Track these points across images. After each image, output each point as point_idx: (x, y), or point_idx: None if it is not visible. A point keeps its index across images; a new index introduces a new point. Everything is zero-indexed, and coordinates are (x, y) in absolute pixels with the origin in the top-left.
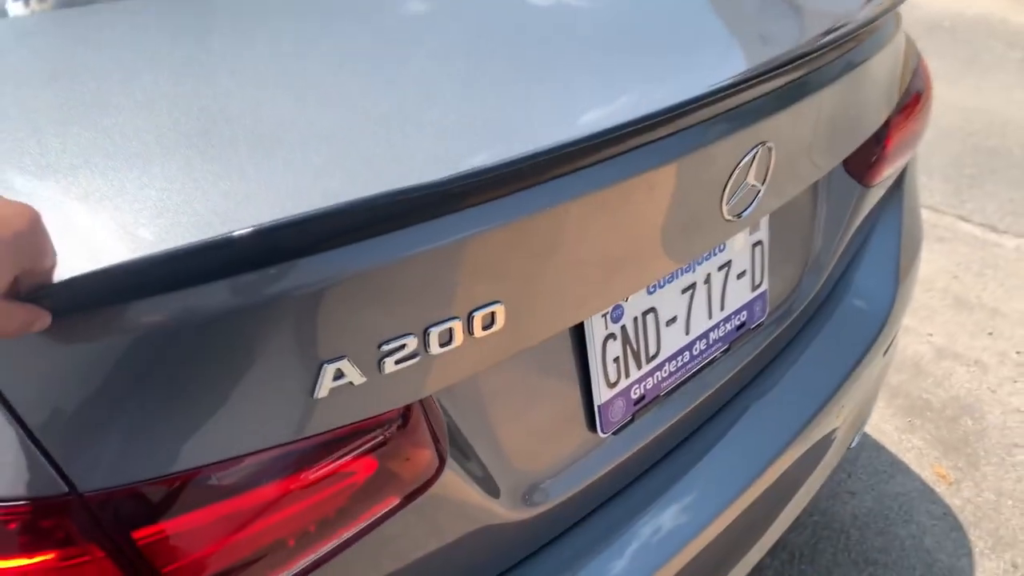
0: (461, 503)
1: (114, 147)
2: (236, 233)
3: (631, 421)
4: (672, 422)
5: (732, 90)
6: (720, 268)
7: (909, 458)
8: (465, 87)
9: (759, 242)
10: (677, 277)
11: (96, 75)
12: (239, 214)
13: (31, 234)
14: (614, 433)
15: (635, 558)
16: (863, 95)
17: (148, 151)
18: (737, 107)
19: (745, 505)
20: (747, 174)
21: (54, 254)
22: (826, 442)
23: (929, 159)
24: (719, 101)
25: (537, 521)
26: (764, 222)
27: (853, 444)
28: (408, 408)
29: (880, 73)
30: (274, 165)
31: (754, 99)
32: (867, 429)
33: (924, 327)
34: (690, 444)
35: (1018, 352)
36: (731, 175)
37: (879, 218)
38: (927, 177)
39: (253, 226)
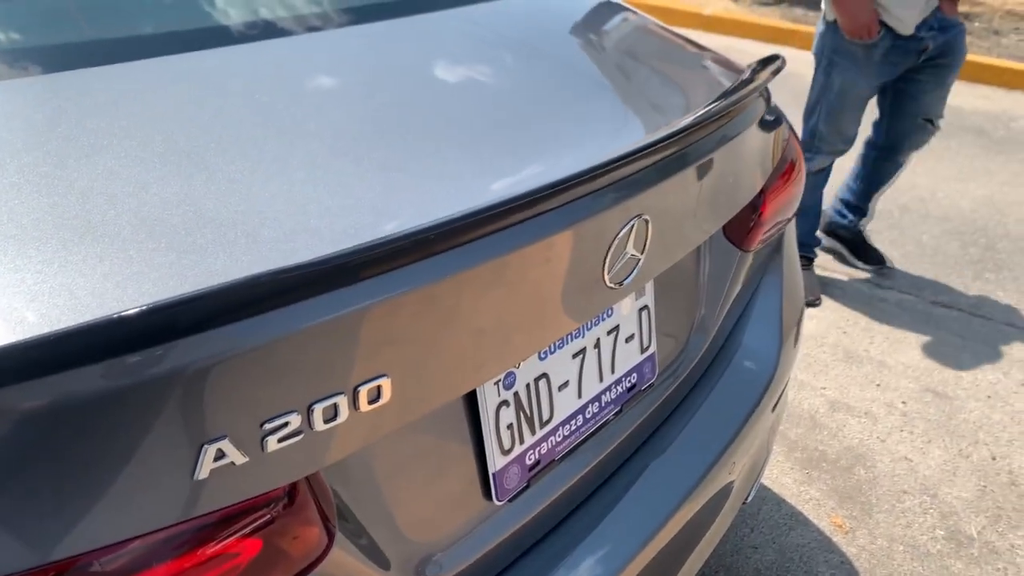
0: None
1: None
2: (114, 316)
3: (527, 487)
4: (568, 486)
5: (610, 166)
6: (609, 332)
7: (807, 509)
8: (352, 167)
9: (645, 307)
10: (568, 342)
11: None
12: (119, 296)
13: None
14: (510, 500)
15: None
16: (738, 166)
17: (24, 233)
18: (615, 182)
19: (644, 563)
20: (626, 244)
21: None
22: (721, 497)
23: None
24: (598, 177)
25: None
26: (650, 287)
27: (750, 498)
28: (294, 485)
29: (753, 145)
30: (156, 246)
31: (631, 174)
32: (767, 482)
33: (818, 381)
34: (587, 507)
35: (903, 403)
36: (611, 246)
37: (762, 280)
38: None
39: (131, 308)
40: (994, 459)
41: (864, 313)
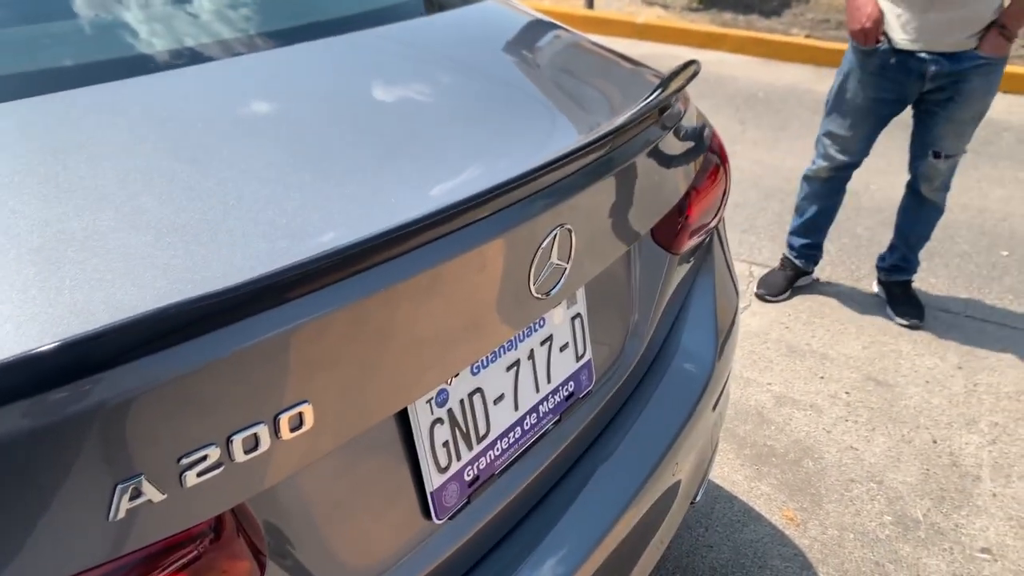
0: None
1: None
2: (14, 356)
3: (467, 503)
4: (510, 499)
5: (529, 177)
6: (542, 343)
7: (759, 504)
8: (266, 193)
9: (578, 315)
10: (500, 355)
11: None
12: (19, 337)
13: None
14: (450, 518)
15: None
16: (659, 171)
17: None
18: (535, 192)
19: (594, 568)
20: (551, 254)
21: None
22: (668, 497)
23: (755, 219)
24: (518, 188)
25: None
26: (581, 295)
27: (698, 498)
28: (220, 519)
29: (675, 149)
30: (60, 283)
31: (551, 184)
32: (719, 480)
33: (763, 377)
34: (532, 518)
35: (847, 392)
36: (535, 256)
37: (695, 281)
38: (755, 236)
39: (32, 347)
40: (935, 442)
41: (805, 307)
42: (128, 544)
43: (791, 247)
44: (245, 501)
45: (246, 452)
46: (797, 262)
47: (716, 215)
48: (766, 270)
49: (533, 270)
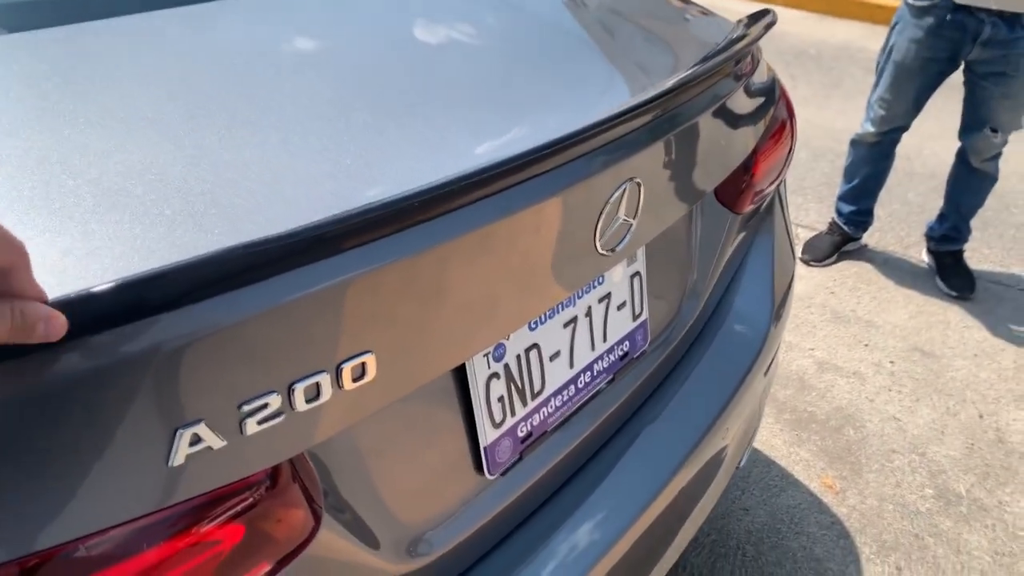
0: (342, 562)
1: None
2: (78, 293)
3: (519, 460)
4: (561, 457)
5: (599, 128)
6: (600, 300)
7: (798, 470)
8: (330, 133)
9: (637, 273)
10: (558, 312)
11: None
12: (81, 273)
13: None
14: (502, 474)
15: None
16: (728, 127)
17: None
18: (604, 145)
19: (640, 532)
20: (618, 209)
21: (17, 244)
22: (715, 463)
23: (803, 179)
24: (587, 140)
25: (426, 572)
26: (640, 253)
27: (742, 463)
28: (276, 468)
29: (744, 105)
30: (120, 218)
31: (621, 136)
32: (758, 445)
33: (806, 342)
34: (582, 477)
35: (891, 362)
36: (602, 211)
37: (753, 243)
38: (802, 197)
39: (96, 285)
40: (981, 417)
41: (852, 273)
42: (186, 490)
43: (839, 213)
44: (303, 451)
45: (307, 401)
46: (846, 228)
47: (780, 175)
48: (812, 233)
49: (600, 225)
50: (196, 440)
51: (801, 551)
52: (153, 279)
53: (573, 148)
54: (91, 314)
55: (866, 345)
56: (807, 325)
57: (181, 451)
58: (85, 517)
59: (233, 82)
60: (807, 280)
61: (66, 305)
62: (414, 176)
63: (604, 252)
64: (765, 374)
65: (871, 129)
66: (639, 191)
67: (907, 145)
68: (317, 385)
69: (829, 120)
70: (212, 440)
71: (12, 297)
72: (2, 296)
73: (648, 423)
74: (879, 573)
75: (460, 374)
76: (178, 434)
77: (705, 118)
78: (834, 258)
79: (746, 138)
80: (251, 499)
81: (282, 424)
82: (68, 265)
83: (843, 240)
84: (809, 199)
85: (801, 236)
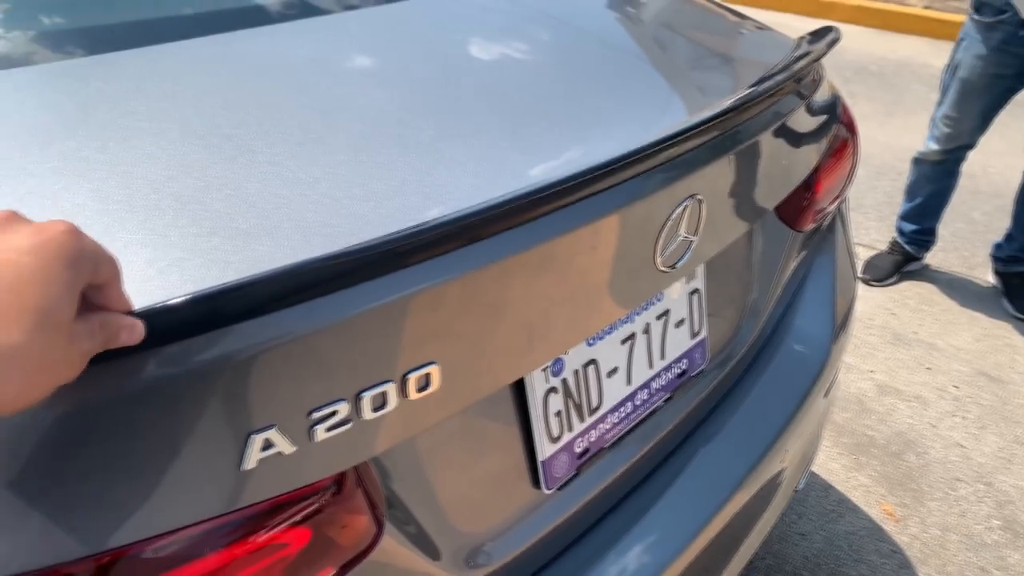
0: (402, 569)
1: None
2: (157, 304)
3: (576, 475)
4: (617, 474)
5: (660, 146)
6: (659, 317)
7: (856, 496)
8: (395, 150)
9: (696, 290)
10: (616, 328)
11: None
12: (161, 283)
13: (83, 246)
14: (559, 489)
15: None
16: (790, 145)
17: (65, 216)
18: (666, 162)
19: (695, 553)
20: (679, 226)
21: (112, 261)
22: (773, 485)
23: (863, 197)
24: (649, 157)
25: None
26: (700, 271)
27: (800, 486)
28: (342, 474)
29: (806, 123)
30: (199, 231)
31: (683, 153)
32: (815, 468)
33: (866, 364)
34: (637, 495)
35: (955, 387)
36: (663, 227)
37: (814, 261)
38: (862, 216)
39: (176, 296)
40: None
41: (914, 294)
42: (256, 494)
43: (901, 232)
44: (368, 459)
45: (374, 410)
46: (907, 248)
47: (842, 192)
48: (872, 252)
49: (661, 242)
50: (267, 445)
51: None
52: (229, 291)
53: (634, 166)
54: (171, 323)
55: (929, 368)
56: (867, 347)
57: (253, 456)
58: (159, 517)
59: (303, 100)
60: (867, 300)
61: (149, 315)
62: (477, 193)
63: (664, 269)
64: (825, 395)
65: (935, 147)
66: (700, 209)
67: (972, 163)
68: (384, 394)
69: (891, 137)
70: (283, 445)
71: (103, 310)
72: (94, 310)
73: (706, 443)
74: None
75: (519, 388)
76: (251, 439)
77: (767, 136)
78: (895, 278)
79: (808, 156)
80: (318, 505)
81: (349, 432)
82: (151, 275)
83: (905, 260)
84: (870, 218)
85: (861, 255)
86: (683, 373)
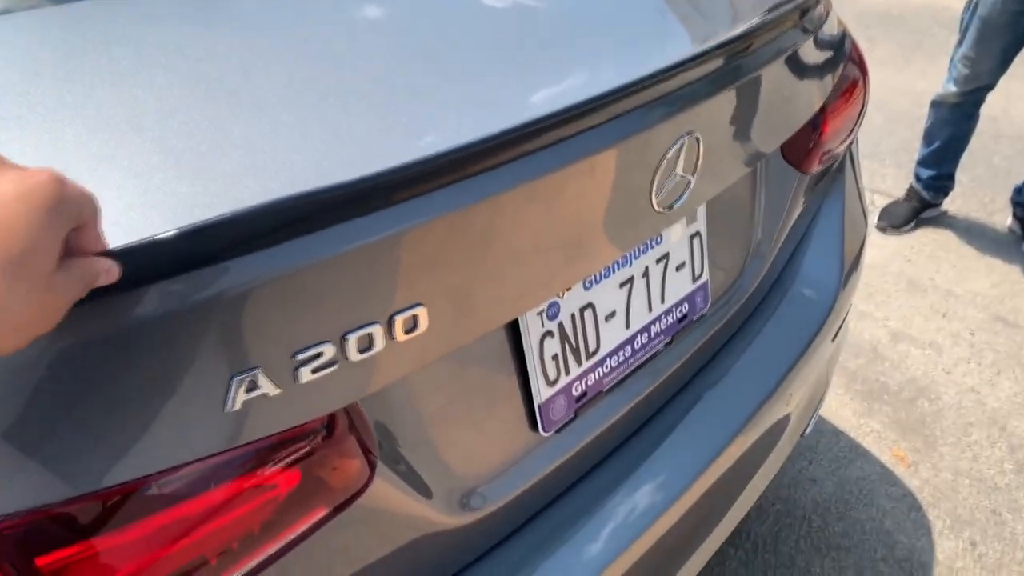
0: (395, 512)
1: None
2: (138, 242)
3: (574, 419)
4: (617, 417)
5: (655, 80)
6: (658, 261)
7: (868, 442)
8: (385, 92)
9: (697, 233)
10: (614, 271)
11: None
12: (143, 225)
13: (67, 193)
14: (556, 432)
15: (587, 554)
16: (794, 82)
17: (48, 164)
18: (661, 97)
19: (697, 496)
20: (676, 165)
21: (92, 201)
22: (778, 429)
23: (879, 143)
24: (641, 91)
25: (479, 525)
26: (701, 213)
27: (807, 431)
28: (332, 416)
29: (811, 60)
30: (181, 173)
31: (678, 88)
32: (826, 415)
33: (880, 311)
34: (638, 439)
35: (971, 332)
36: (658, 166)
37: (822, 204)
38: (878, 163)
39: (156, 234)
40: None
41: (930, 240)
42: (243, 435)
43: (918, 178)
44: (358, 401)
45: (360, 352)
46: (924, 194)
47: (851, 134)
48: (889, 200)
49: (656, 181)
50: (252, 387)
51: (870, 522)
52: (210, 228)
53: (626, 100)
54: (151, 264)
55: (944, 315)
56: (882, 294)
57: (238, 397)
58: (143, 459)
59: (290, 45)
60: (883, 248)
61: (129, 253)
62: (467, 130)
63: (661, 210)
64: (833, 340)
65: (954, 89)
66: (698, 147)
67: (993, 106)
68: (370, 336)
69: (909, 82)
70: (268, 387)
71: (81, 253)
72: (73, 253)
73: (709, 387)
74: (952, 547)
75: (514, 331)
76: (235, 381)
77: (769, 71)
78: (912, 225)
79: (814, 95)
80: (307, 447)
81: (336, 373)
82: (133, 217)
83: (922, 206)
84: (886, 165)
85: (878, 203)
86: (684, 317)
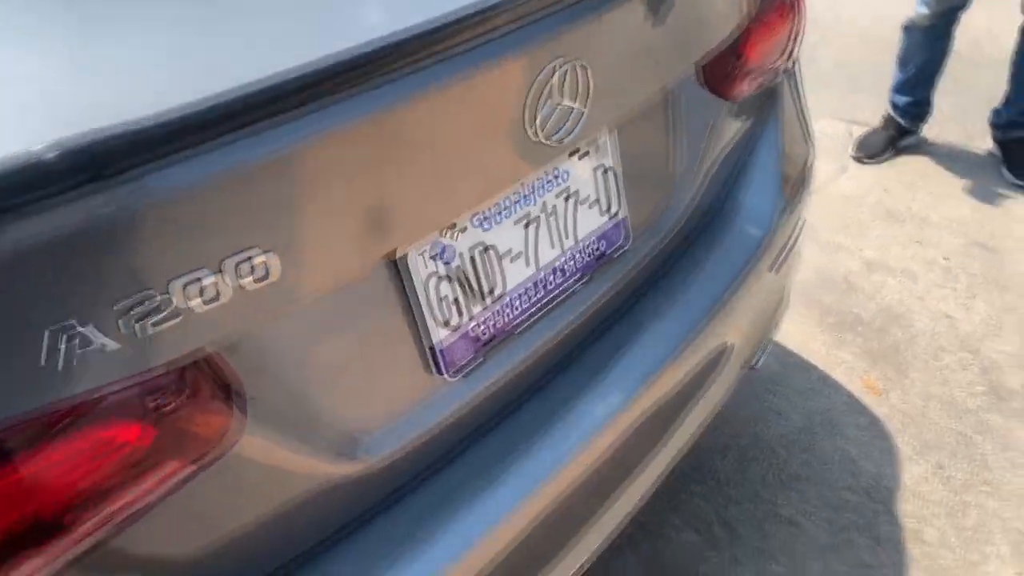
0: (273, 464)
1: None
2: None
3: (483, 362)
4: (532, 360)
5: (515, 2)
6: (564, 198)
7: (838, 373)
8: (210, 17)
9: (606, 167)
10: (514, 210)
11: None
12: None
13: None
14: (464, 376)
15: (501, 498)
16: (701, 1)
17: None
18: (525, 18)
19: (623, 434)
20: (557, 93)
21: None
22: (714, 362)
23: (857, 74)
24: (502, 12)
25: (374, 475)
26: (610, 145)
27: (758, 363)
28: (185, 369)
29: None
30: None
31: (543, 10)
32: (795, 348)
33: (856, 243)
34: (563, 378)
35: (945, 258)
36: (528, 96)
37: (757, 133)
38: (856, 93)
39: None
40: None
41: (908, 169)
42: (68, 389)
43: (895, 106)
44: (218, 351)
45: (203, 301)
46: (901, 121)
47: (784, 57)
48: (866, 129)
49: (528, 112)
50: (73, 339)
51: (836, 452)
52: (27, 166)
53: (484, 23)
54: None
55: (919, 243)
56: (857, 225)
57: (55, 351)
58: None
59: None
60: (859, 179)
61: None
62: (308, 54)
63: (548, 142)
64: (775, 271)
65: (925, 11)
66: (585, 74)
67: (973, 27)
68: (211, 284)
69: (887, 7)
70: (93, 339)
71: None
72: None
73: (636, 323)
74: (919, 472)
75: (400, 273)
76: (50, 333)
77: None
78: (889, 154)
79: (727, 13)
80: (155, 402)
81: (177, 324)
82: None
83: (899, 134)
84: (866, 94)
85: (854, 133)
86: (602, 255)
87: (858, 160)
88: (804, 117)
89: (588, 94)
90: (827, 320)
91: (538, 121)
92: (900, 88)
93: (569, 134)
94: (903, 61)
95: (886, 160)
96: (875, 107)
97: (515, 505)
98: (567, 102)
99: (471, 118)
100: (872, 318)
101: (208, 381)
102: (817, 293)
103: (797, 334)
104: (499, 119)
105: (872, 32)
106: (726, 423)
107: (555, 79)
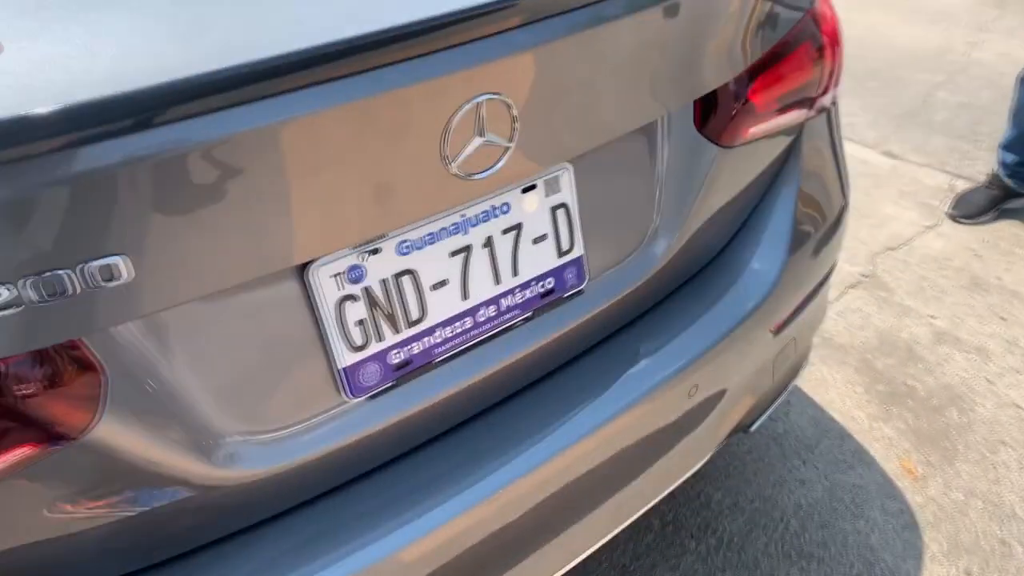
0: (129, 459)
1: None
2: None
3: (393, 386)
4: (457, 390)
5: (446, 27)
6: (506, 231)
7: (876, 448)
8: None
9: (562, 204)
10: (441, 238)
11: None
12: None
13: None
14: (369, 398)
15: (393, 538)
16: (684, 42)
17: None
18: (446, 48)
19: (550, 486)
20: (476, 128)
21: None
22: (681, 427)
23: (980, 123)
24: (422, 35)
25: (257, 489)
26: (568, 183)
27: (752, 428)
28: (36, 357)
29: (729, 9)
30: None
31: (466, 41)
32: (835, 414)
33: (928, 308)
34: (491, 416)
35: None
36: (446, 127)
37: (771, 183)
38: (972, 144)
39: None
40: None
41: (1007, 235)
42: None
43: (1003, 164)
44: (82, 341)
45: (45, 297)
46: (1008, 181)
47: (806, 108)
48: (971, 186)
49: (449, 144)
50: None
51: (854, 535)
52: None
53: (406, 45)
54: None
55: (1003, 319)
56: (935, 289)
57: None
58: None
59: None
60: (950, 238)
61: None
62: (201, 60)
63: (464, 176)
64: (776, 333)
65: None
66: (508, 111)
67: None
68: (62, 280)
69: (1013, 47)
70: None
71: None
72: None
73: (584, 372)
74: (942, 574)
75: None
76: None
77: (624, 26)
78: (990, 216)
79: (721, 56)
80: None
81: (14, 315)
82: None
83: (1003, 195)
84: (981, 147)
85: (957, 187)
86: (549, 292)
87: (953, 219)
88: (839, 166)
89: (512, 131)
90: (877, 387)
91: (456, 154)
92: (1010, 145)
93: (488, 170)
94: (1017, 116)
95: (985, 222)
96: (988, 162)
97: (404, 547)
98: (492, 137)
99: (383, 143)
100: (928, 394)
101: (59, 368)
102: (873, 357)
103: (841, 398)
104: (414, 147)
105: (1006, 80)
106: (744, 482)
107: (480, 113)
